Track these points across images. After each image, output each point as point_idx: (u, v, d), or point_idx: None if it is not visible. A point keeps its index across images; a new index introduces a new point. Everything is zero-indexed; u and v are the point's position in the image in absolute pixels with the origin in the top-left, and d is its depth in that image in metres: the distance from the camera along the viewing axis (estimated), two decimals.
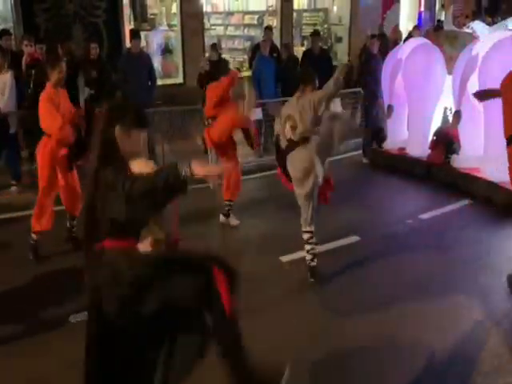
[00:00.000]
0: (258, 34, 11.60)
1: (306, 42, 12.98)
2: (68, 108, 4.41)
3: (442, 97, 6.70)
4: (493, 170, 5.70)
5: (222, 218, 5.31)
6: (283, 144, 4.09)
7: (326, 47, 11.62)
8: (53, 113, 4.20)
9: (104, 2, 9.31)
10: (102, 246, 2.13)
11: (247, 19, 12.47)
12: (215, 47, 8.00)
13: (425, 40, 7.10)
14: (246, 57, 11.37)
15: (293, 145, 3.99)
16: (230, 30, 12.60)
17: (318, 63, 7.18)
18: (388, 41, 9.21)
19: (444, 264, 4.43)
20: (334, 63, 9.24)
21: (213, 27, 12.14)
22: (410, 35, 11.13)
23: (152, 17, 10.82)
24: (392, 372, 3.07)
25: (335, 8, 13.82)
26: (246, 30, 12.43)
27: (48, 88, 4.31)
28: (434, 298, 3.85)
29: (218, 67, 6.99)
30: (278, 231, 5.03)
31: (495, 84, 5.57)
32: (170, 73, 10.92)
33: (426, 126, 6.78)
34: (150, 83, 7.18)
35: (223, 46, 12.29)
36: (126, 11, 10.05)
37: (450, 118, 6.53)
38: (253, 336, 3.19)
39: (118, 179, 1.94)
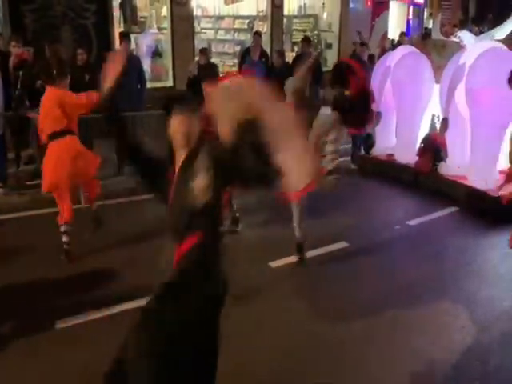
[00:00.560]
0: (248, 38, 11.61)
1: (296, 48, 13.05)
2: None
3: (429, 105, 6.78)
4: (478, 178, 5.78)
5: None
6: None
7: (315, 53, 11.69)
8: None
9: (93, 3, 9.23)
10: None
11: (237, 24, 12.49)
12: (204, 51, 7.97)
13: (413, 48, 7.19)
14: (235, 61, 11.37)
15: None
16: (221, 34, 12.61)
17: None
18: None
19: (430, 270, 4.47)
20: (324, 69, 9.31)
21: (203, 31, 12.13)
22: (398, 43, 11.28)
23: (142, 19, 10.77)
24: (379, 376, 3.08)
25: (325, 14, 13.92)
26: (236, 35, 12.44)
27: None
28: (420, 304, 3.88)
29: (207, 71, 7.03)
30: (267, 236, 5.03)
31: (482, 93, 5.68)
32: (159, 76, 10.88)
33: (414, 134, 6.85)
34: (139, 86, 7.15)
35: (213, 49, 12.28)
36: (116, 13, 10.00)
37: (438, 126, 6.61)
38: (242, 342, 3.19)
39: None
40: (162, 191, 2.21)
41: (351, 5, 14.07)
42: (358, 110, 4.18)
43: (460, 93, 5.89)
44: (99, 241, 4.76)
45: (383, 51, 9.74)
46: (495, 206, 5.51)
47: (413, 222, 5.54)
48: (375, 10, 15.21)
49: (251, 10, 12.46)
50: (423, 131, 6.88)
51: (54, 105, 4.35)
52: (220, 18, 12.48)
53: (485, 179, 5.74)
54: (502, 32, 7.14)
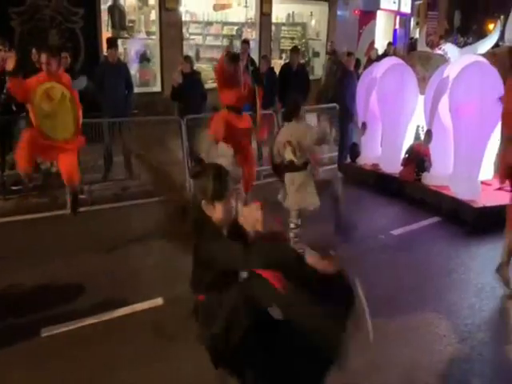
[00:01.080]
0: (237, 45, 11.67)
1: (284, 56, 13.16)
2: None
3: (414, 115, 6.89)
4: (461, 188, 5.89)
5: None
6: (279, 160, 4.69)
7: (303, 61, 11.81)
8: None
9: (82, 8, 9.22)
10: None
11: (226, 30, 12.55)
12: (189, 59, 7.88)
13: (399, 60, 7.30)
14: None
15: (294, 167, 4.62)
16: (209, 40, 12.65)
17: (296, 78, 7.70)
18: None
19: (413, 280, 4.53)
20: (311, 77, 9.42)
21: (191, 37, 12.17)
22: (385, 52, 11.44)
23: (130, 24, 10.78)
24: None
25: (313, 23, 14.07)
26: (224, 41, 12.50)
27: None
28: (402, 314, 3.93)
29: (191, 80, 7.07)
30: None
31: (465, 106, 5.81)
32: (147, 81, 10.89)
33: (399, 144, 6.95)
34: (127, 92, 7.14)
35: (201, 55, 12.32)
36: (104, 18, 9.99)
37: (422, 136, 6.72)
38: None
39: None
40: None
41: (339, 13, 14.25)
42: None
43: (444, 105, 6.01)
44: (85, 247, 4.74)
45: (369, 60, 9.89)
46: (477, 216, 5.63)
47: (397, 232, 5.61)
48: (363, 19, 15.43)
49: (240, 17, 12.55)
50: (408, 141, 6.99)
51: None
52: (209, 23, 12.54)
53: (468, 190, 5.85)
54: (484, 46, 7.30)
